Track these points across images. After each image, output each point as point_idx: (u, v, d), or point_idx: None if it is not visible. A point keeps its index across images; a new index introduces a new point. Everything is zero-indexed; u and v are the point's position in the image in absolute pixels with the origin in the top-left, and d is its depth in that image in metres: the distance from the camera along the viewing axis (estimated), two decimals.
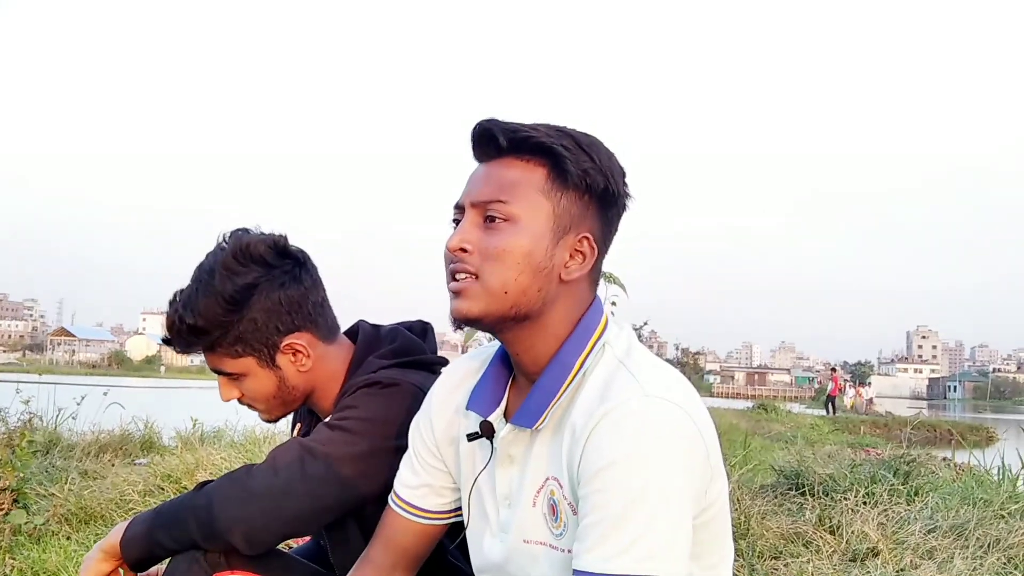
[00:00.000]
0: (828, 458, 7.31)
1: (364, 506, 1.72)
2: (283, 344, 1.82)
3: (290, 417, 2.17)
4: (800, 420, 21.84)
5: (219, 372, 1.86)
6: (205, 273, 1.79)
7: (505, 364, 1.48)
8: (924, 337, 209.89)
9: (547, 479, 1.36)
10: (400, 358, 1.87)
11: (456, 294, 1.36)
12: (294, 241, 1.87)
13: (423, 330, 2.02)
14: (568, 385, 1.34)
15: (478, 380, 1.50)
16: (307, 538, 2.18)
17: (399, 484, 1.58)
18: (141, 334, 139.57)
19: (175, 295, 1.81)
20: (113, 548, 1.74)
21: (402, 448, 1.65)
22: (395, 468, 1.64)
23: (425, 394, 1.67)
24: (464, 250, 1.35)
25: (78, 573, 1.84)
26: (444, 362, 1.99)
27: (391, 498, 1.59)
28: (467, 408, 1.49)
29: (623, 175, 1.39)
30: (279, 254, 1.83)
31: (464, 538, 1.58)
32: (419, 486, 1.56)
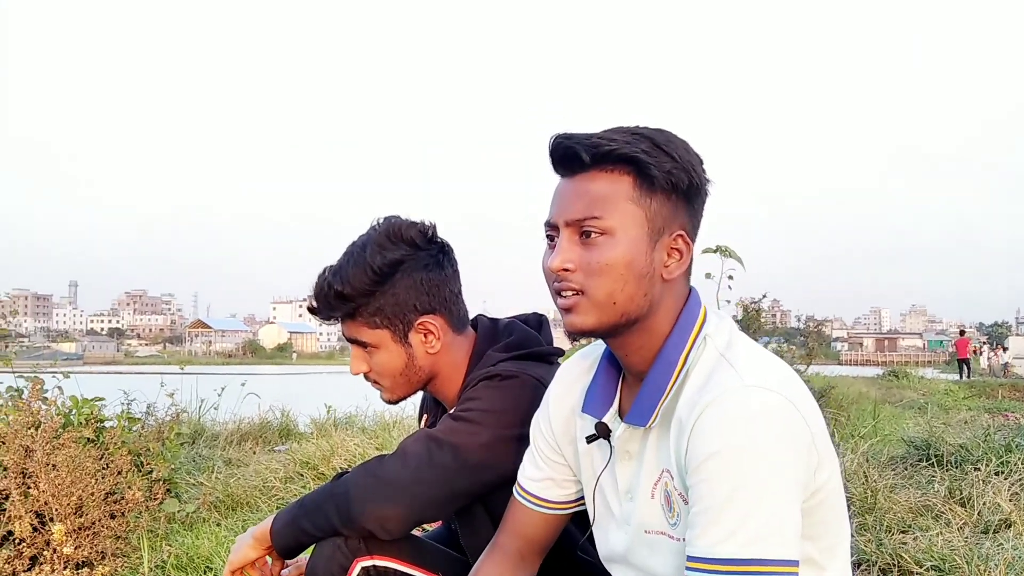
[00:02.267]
0: (963, 425, 7.10)
1: (490, 492, 1.79)
2: (417, 323, 1.91)
3: (417, 406, 2.28)
4: (933, 386, 20.96)
5: (354, 342, 1.95)
6: (357, 247, 1.90)
7: (613, 364, 1.52)
8: None
9: (662, 472, 1.40)
10: (517, 351, 1.92)
11: (567, 311, 1.39)
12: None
13: (538, 322, 2.08)
14: (674, 382, 1.37)
15: (590, 381, 1.54)
16: (439, 523, 2.27)
17: (523, 477, 1.64)
18: (272, 323, 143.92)
19: (325, 268, 1.92)
20: (263, 536, 1.87)
21: (522, 436, 1.71)
22: (517, 455, 1.70)
23: (542, 385, 1.74)
24: (567, 269, 1.37)
25: (228, 557, 1.98)
26: (560, 352, 2.05)
27: (516, 490, 1.65)
28: (583, 411, 1.53)
29: (701, 163, 1.41)
30: (426, 239, 1.93)
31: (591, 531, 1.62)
32: (542, 479, 1.61)
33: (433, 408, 2.13)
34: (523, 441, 1.72)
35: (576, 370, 1.61)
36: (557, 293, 1.41)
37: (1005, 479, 3.89)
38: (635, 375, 1.46)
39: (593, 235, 1.36)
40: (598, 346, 1.58)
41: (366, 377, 1.99)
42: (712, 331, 1.40)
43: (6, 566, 3.12)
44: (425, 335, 1.92)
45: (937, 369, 43.07)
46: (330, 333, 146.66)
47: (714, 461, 1.26)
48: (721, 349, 1.37)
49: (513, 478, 1.70)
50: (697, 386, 1.34)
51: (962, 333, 37.08)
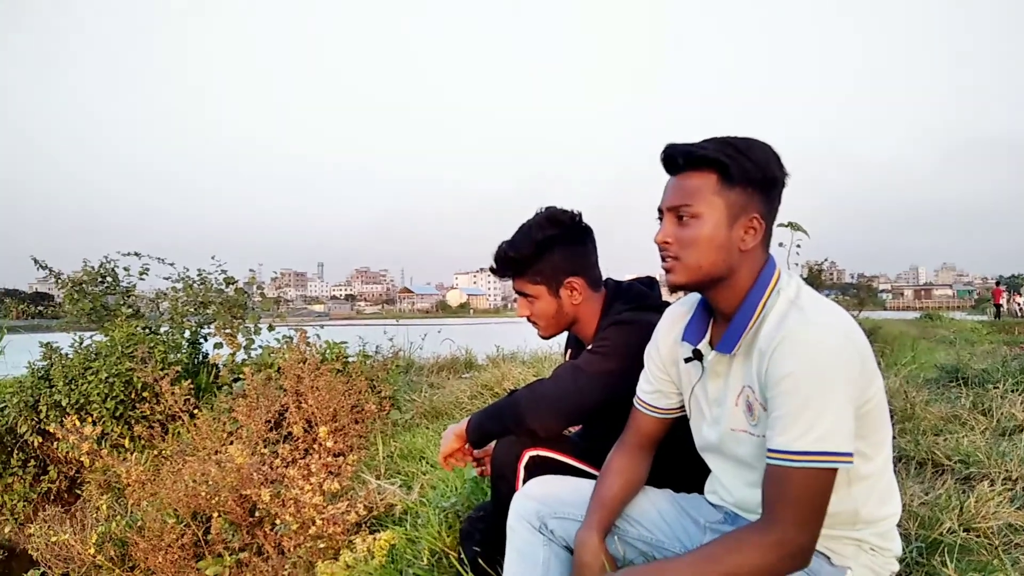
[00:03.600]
0: (985, 354, 6.61)
1: (612, 405, 1.80)
2: (566, 281, 1.95)
3: (562, 345, 2.31)
4: (961, 325, 19.52)
5: (520, 293, 2.00)
6: (525, 226, 1.97)
7: (706, 309, 1.53)
8: None
9: (743, 387, 1.42)
10: (635, 304, 1.94)
11: (667, 271, 1.45)
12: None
13: (650, 283, 2.08)
14: (753, 323, 1.39)
15: (688, 320, 1.56)
16: (578, 427, 2.32)
17: (640, 391, 1.66)
18: (455, 288, 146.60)
19: (503, 241, 1.99)
20: (461, 432, 1.97)
21: (638, 366, 1.73)
22: (633, 381, 1.71)
23: (652, 327, 1.76)
24: (667, 242, 1.43)
25: (438, 447, 2.08)
26: (667, 305, 2.06)
27: (635, 401, 1.67)
28: (682, 340, 1.55)
29: (777, 162, 1.41)
30: (574, 222, 1.97)
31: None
32: (653, 392, 1.63)
33: (575, 345, 2.15)
34: (637, 369, 1.74)
35: (677, 312, 1.62)
36: (662, 259, 1.45)
37: (1019, 395, 3.64)
38: (723, 317, 1.47)
39: (685, 218, 1.40)
40: (693, 296, 1.59)
41: (528, 319, 2.04)
42: (784, 286, 1.40)
43: (289, 454, 3.33)
44: (571, 291, 1.96)
45: (964, 312, 40.08)
46: (496, 294, 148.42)
47: (789, 379, 1.28)
48: (791, 298, 1.37)
49: (628, 396, 1.72)
50: (773, 324, 1.35)
51: (997, 284, 34.54)
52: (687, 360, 1.54)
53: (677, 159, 1.42)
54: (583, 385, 1.81)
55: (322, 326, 5.44)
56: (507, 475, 1.85)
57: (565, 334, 2.19)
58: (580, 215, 1.99)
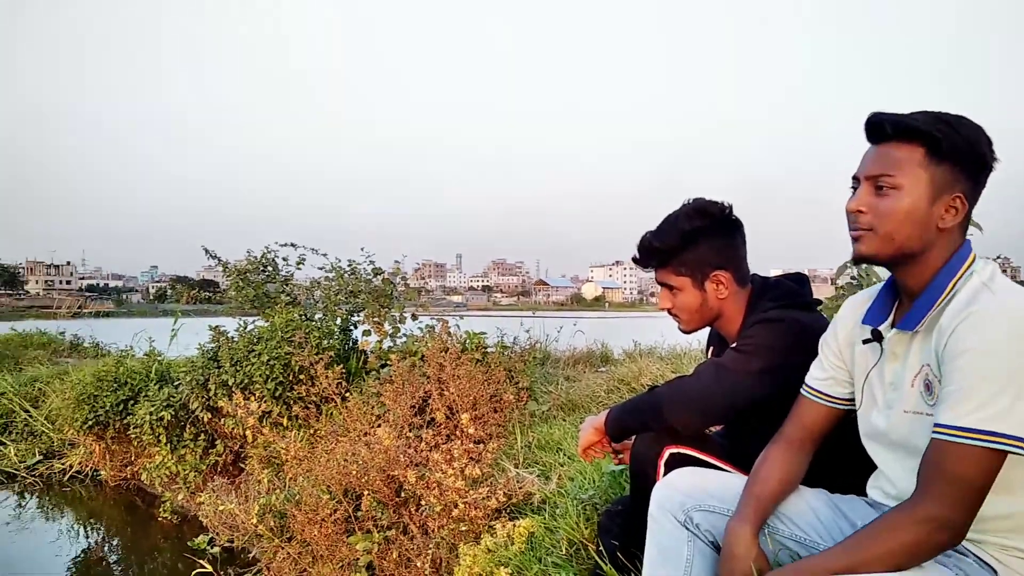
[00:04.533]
0: None
1: (755, 406, 1.77)
2: (712, 274, 1.91)
3: (703, 341, 2.28)
4: None
5: (663, 285, 1.98)
6: (673, 216, 1.94)
7: (891, 292, 1.49)
8: None
9: (923, 366, 1.37)
10: (782, 301, 1.89)
11: (855, 240, 1.41)
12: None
13: (799, 280, 2.02)
14: (942, 300, 1.34)
15: (870, 304, 1.53)
16: (719, 427, 2.28)
17: (810, 378, 1.62)
18: (590, 281, 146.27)
19: (647, 232, 1.96)
20: (600, 426, 1.99)
21: (784, 366, 1.69)
22: (778, 380, 1.68)
23: (803, 326, 1.72)
24: (861, 211, 1.39)
25: (576, 439, 2.11)
26: (819, 303, 1.99)
27: (803, 389, 1.63)
28: (863, 323, 1.52)
29: (989, 145, 1.35)
30: (724, 215, 1.93)
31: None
32: (826, 378, 1.59)
33: (717, 342, 2.12)
34: (784, 370, 1.69)
35: (859, 300, 1.59)
36: (851, 227, 1.42)
37: None
38: (909, 297, 1.43)
39: (885, 188, 1.37)
40: (874, 288, 1.56)
41: (669, 312, 2.01)
42: (979, 269, 1.35)
43: (432, 439, 3.48)
44: (716, 284, 1.93)
45: None
46: (632, 288, 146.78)
47: (968, 355, 1.23)
48: (984, 280, 1.32)
49: (773, 397, 1.69)
50: (962, 302, 1.30)
51: None
52: (865, 342, 1.50)
53: (885, 127, 1.38)
54: (726, 384, 1.78)
55: (461, 316, 5.61)
56: (647, 470, 1.86)
57: (707, 331, 2.16)
58: (731, 207, 1.94)
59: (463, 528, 2.90)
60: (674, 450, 1.83)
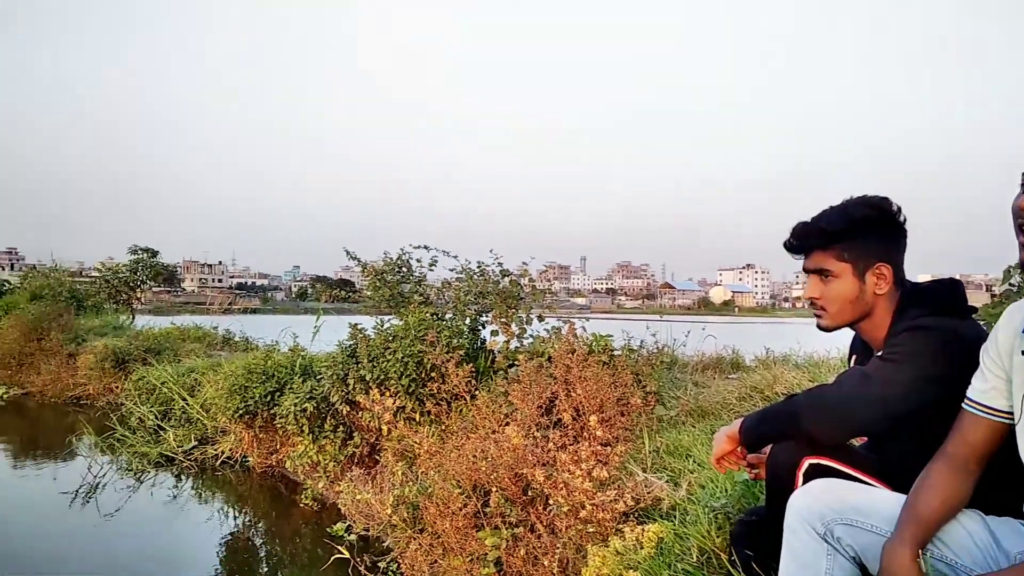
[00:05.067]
0: None
1: (902, 418, 1.69)
2: (874, 266, 1.84)
3: (843, 351, 2.19)
4: None
5: (816, 271, 1.90)
6: (842, 204, 1.88)
7: None
8: None
9: None
10: (935, 307, 1.79)
11: None
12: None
13: (952, 285, 1.91)
14: None
15: None
16: (863, 440, 2.19)
17: (972, 391, 1.54)
18: (719, 284, 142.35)
19: (806, 221, 1.91)
20: (734, 434, 1.94)
21: (935, 377, 1.61)
22: (928, 393, 1.60)
23: (955, 335, 1.63)
24: None
25: (707, 447, 2.08)
26: (973, 310, 1.87)
27: (965, 404, 1.55)
28: (1022, 332, 1.44)
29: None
30: (894, 213, 1.86)
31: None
32: (988, 389, 1.50)
33: (861, 350, 2.03)
34: (935, 382, 1.61)
35: (1020, 307, 1.51)
36: (1019, 229, 1.37)
37: None
38: None
39: None
40: None
41: (813, 303, 1.93)
42: None
43: (560, 439, 3.52)
44: (877, 278, 1.85)
45: None
46: (764, 292, 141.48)
47: None
48: None
49: (922, 410, 1.60)
50: None
51: None
52: None
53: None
54: (871, 394, 1.70)
55: (587, 319, 5.63)
56: (784, 480, 1.82)
57: (848, 339, 2.08)
58: (900, 208, 1.86)
59: (591, 529, 2.91)
60: (814, 461, 1.78)
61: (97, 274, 18.52)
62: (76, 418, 9.24)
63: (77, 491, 6.40)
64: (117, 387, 10.53)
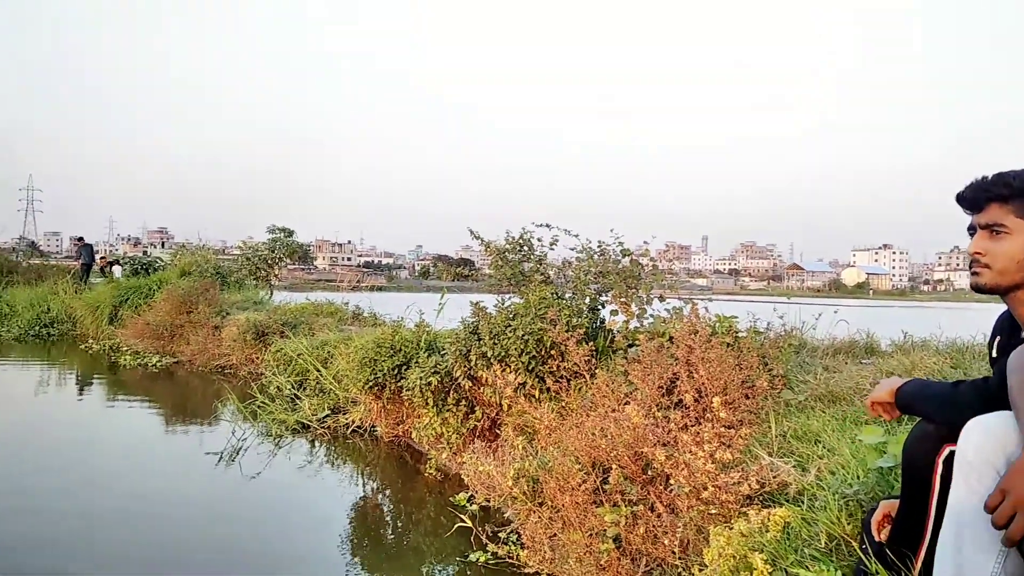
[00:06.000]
0: None
1: None
2: None
3: (986, 335, 2.06)
4: None
5: (988, 226, 1.78)
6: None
7: None
8: None
9: None
10: None
11: None
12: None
13: None
14: None
15: None
16: None
17: None
18: (852, 266, 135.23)
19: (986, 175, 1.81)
20: (892, 390, 1.94)
21: None
22: None
23: None
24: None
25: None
26: None
27: None
28: None
29: None
30: None
31: None
32: None
33: (1008, 330, 1.90)
34: None
35: None
36: None
37: None
38: None
39: None
40: None
41: (975, 257, 1.80)
42: None
43: (681, 420, 3.49)
44: None
45: None
46: (902, 275, 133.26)
47: None
48: None
49: None
50: None
51: None
52: None
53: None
54: None
55: (711, 299, 5.52)
56: (922, 471, 1.75)
57: (991, 321, 1.96)
58: None
59: (713, 511, 2.89)
60: (954, 448, 1.69)
61: (239, 252, 19.76)
62: (221, 386, 9.96)
63: (222, 453, 6.92)
64: (257, 358, 11.26)
